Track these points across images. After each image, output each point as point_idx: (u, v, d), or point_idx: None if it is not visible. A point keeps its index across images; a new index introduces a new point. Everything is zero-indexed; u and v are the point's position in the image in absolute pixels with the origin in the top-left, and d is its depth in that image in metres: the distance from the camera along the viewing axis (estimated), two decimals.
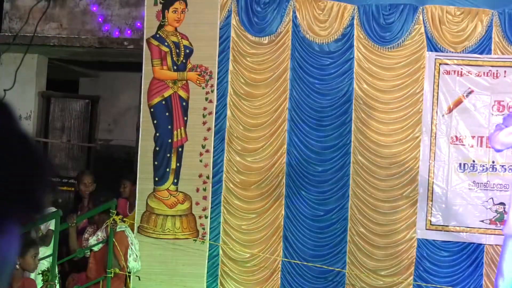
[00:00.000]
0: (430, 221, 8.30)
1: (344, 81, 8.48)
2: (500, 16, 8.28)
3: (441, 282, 8.18)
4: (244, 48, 8.62)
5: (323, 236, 8.42)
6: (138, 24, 9.38)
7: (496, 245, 8.22)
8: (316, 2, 8.54)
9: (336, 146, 8.48)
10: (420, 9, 8.38)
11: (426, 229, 8.31)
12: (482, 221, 8.25)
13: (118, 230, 8.11)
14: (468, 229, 8.25)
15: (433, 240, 8.31)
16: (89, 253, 8.20)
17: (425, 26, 8.37)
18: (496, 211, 8.24)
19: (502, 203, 8.22)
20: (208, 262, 8.50)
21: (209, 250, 8.51)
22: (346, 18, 8.50)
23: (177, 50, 8.61)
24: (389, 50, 8.43)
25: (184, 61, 8.61)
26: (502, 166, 8.25)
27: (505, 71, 8.28)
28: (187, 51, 8.61)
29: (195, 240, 8.50)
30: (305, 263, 8.40)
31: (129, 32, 9.52)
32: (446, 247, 8.31)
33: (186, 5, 8.64)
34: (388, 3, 8.42)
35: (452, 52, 8.35)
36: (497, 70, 8.29)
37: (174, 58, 8.61)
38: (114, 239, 8.01)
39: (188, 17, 8.62)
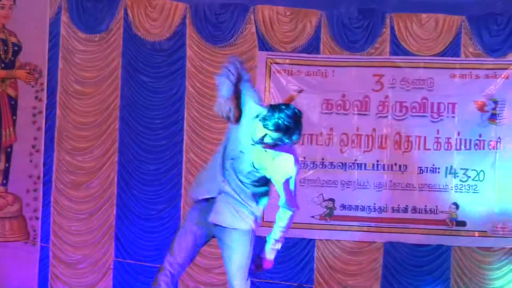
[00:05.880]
0: None
1: (176, 79, 8.48)
2: (328, 17, 8.50)
3: (271, 276, 8.28)
4: (74, 45, 8.46)
5: (155, 236, 8.38)
6: None
7: (326, 240, 8.43)
8: (148, 0, 8.50)
9: (168, 145, 8.46)
10: (251, 9, 8.49)
11: None
12: (313, 216, 8.44)
13: None
14: (300, 224, 8.40)
15: None
16: None
17: (256, 26, 8.49)
18: (326, 206, 8.45)
19: (331, 199, 8.43)
20: (38, 265, 8.29)
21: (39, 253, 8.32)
22: (178, 16, 8.50)
23: (5, 47, 8.35)
24: (221, 48, 8.49)
25: (12, 58, 8.36)
26: (331, 163, 8.47)
27: (333, 71, 8.51)
28: (16, 48, 8.36)
29: (26, 243, 8.28)
30: (139, 263, 8.36)
31: None
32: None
33: (14, 0, 8.40)
34: (220, 2, 8.49)
35: (283, 52, 8.51)
36: (325, 70, 8.51)
37: (2, 56, 8.35)
38: None
39: (16, 13, 8.37)
